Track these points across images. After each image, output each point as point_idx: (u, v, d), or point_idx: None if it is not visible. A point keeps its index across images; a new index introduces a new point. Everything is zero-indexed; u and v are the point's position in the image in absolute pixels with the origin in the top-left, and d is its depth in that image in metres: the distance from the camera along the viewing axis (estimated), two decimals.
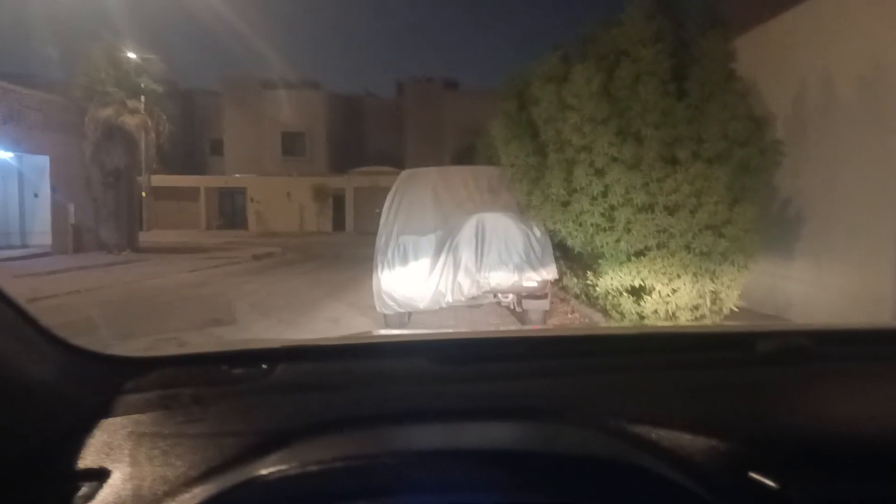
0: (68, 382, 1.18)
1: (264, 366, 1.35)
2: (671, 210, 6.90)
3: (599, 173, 7.12)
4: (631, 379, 1.41)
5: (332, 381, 1.36)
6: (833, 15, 7.62)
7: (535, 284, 7.96)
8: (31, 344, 1.11)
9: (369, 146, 46.83)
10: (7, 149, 18.55)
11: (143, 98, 21.39)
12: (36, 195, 20.84)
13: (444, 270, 7.92)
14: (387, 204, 8.61)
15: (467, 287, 7.87)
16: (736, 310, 7.18)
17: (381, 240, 8.24)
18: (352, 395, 1.31)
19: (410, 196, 8.57)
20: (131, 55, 21.67)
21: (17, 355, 1.08)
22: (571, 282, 10.08)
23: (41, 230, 20.58)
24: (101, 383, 1.23)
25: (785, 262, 8.34)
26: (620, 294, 7.46)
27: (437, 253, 7.99)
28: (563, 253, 9.12)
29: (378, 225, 8.57)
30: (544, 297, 8.22)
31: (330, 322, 9.33)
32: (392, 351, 1.62)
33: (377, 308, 8.23)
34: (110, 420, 1.15)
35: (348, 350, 1.59)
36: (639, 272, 7.06)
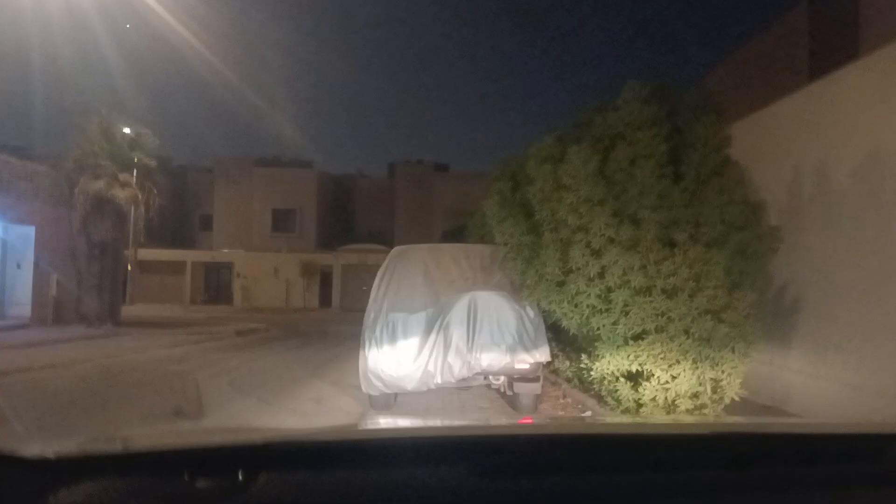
0: None
1: (240, 474, 1.01)
2: (669, 293, 6.72)
3: (596, 254, 6.98)
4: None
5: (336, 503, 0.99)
6: (827, 103, 7.71)
7: (527, 367, 7.69)
8: None
9: (359, 225, 47.14)
10: None
11: (135, 172, 21.39)
12: (19, 265, 20.48)
13: (433, 350, 7.64)
14: (377, 280, 8.40)
15: (458, 368, 7.58)
16: (737, 399, 6.90)
17: (369, 316, 7.98)
18: None
19: (401, 272, 8.39)
20: (126, 129, 21.81)
21: None
22: (564, 365, 9.80)
23: (21, 301, 20.12)
24: (10, 497, 0.90)
25: (783, 350, 8.13)
26: (617, 379, 7.18)
27: (428, 332, 7.73)
28: (555, 335, 8.88)
29: (365, 302, 8.33)
30: (536, 380, 7.93)
31: (312, 402, 8.94)
32: (412, 452, 1.24)
33: (363, 388, 7.89)
34: None
35: (354, 449, 1.24)
36: (637, 356, 6.81)
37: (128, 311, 25.09)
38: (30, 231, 19.72)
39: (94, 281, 20.43)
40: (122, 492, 0.97)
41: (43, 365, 12.00)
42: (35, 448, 1.02)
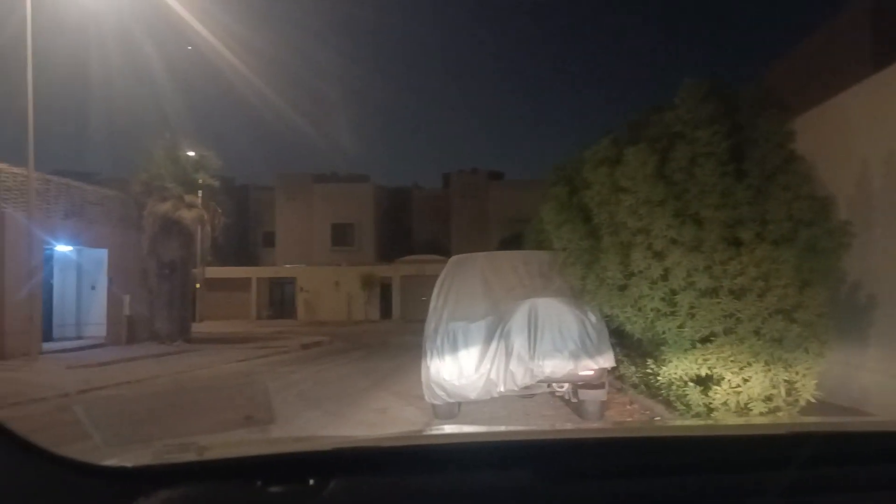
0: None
1: (311, 481, 1.04)
2: (737, 294, 6.53)
3: (658, 256, 6.85)
4: None
5: None
6: (893, 92, 7.39)
7: (591, 373, 7.58)
8: None
9: (416, 236, 47.49)
10: (67, 242, 19.21)
11: (199, 193, 22.12)
12: (93, 287, 21.37)
13: (495, 358, 7.62)
14: (436, 290, 8.44)
15: (520, 376, 7.53)
16: (813, 401, 6.64)
17: (429, 326, 8.01)
18: None
19: (460, 281, 8.40)
20: (190, 152, 22.59)
21: None
22: (629, 370, 9.61)
23: (96, 321, 20.98)
24: None
25: (859, 349, 7.78)
26: (686, 384, 7.01)
27: (488, 340, 7.71)
28: (619, 340, 8.72)
29: (424, 313, 8.37)
30: (601, 386, 7.82)
31: (377, 413, 9.03)
32: (480, 458, 1.26)
33: (426, 398, 7.93)
34: None
35: (421, 455, 1.26)
36: (705, 360, 6.63)
37: (197, 327, 25.88)
38: (102, 254, 20.59)
39: (165, 300, 21.18)
40: (197, 499, 1.01)
41: (119, 382, 12.50)
42: (113, 459, 1.06)
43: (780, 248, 6.57)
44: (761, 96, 7.63)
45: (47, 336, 18.66)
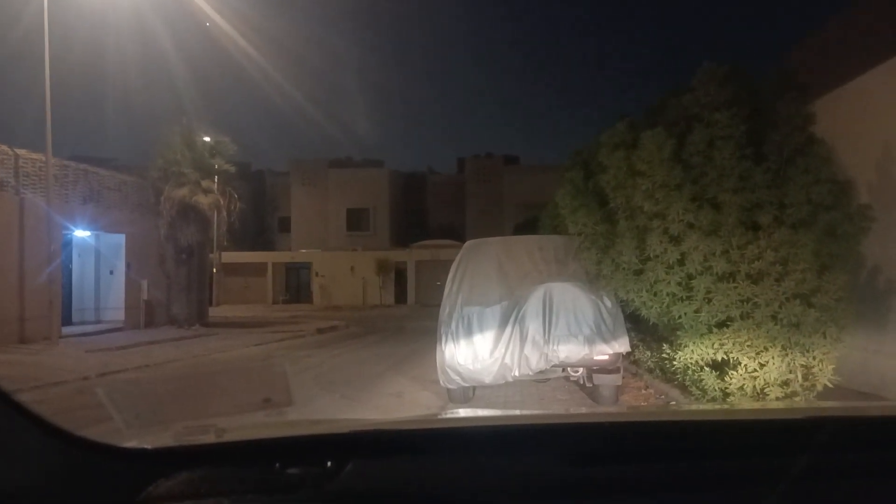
0: (68, 487, 0.90)
1: (329, 463, 1.04)
2: (755, 278, 6.48)
3: (675, 240, 6.80)
4: None
5: (424, 490, 1.01)
6: None
7: (606, 358, 7.57)
8: (16, 438, 0.85)
9: (431, 221, 47.49)
10: (86, 228, 19.39)
11: (216, 178, 22.22)
12: (111, 272, 21.57)
13: (510, 343, 7.62)
14: (450, 274, 8.44)
15: (535, 361, 7.53)
16: (830, 386, 6.59)
17: (444, 311, 8.03)
18: None
19: (475, 266, 8.39)
20: (206, 138, 22.67)
21: None
22: (644, 355, 9.60)
23: (115, 306, 21.19)
24: (114, 487, 0.94)
25: (878, 334, 7.70)
26: (702, 369, 6.98)
27: (503, 325, 7.71)
28: (634, 324, 8.70)
29: (439, 298, 8.38)
30: (616, 371, 7.80)
31: (393, 397, 9.08)
32: (496, 441, 1.25)
33: (441, 382, 7.95)
34: None
35: (438, 438, 1.26)
36: (722, 345, 6.59)
37: (214, 312, 26.09)
38: (120, 239, 20.76)
39: (182, 284, 21.37)
40: (216, 481, 1.01)
41: (138, 365, 12.65)
42: (134, 441, 1.07)
43: (799, 232, 6.50)
44: (780, 79, 7.53)
45: (67, 320, 18.88)
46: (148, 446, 1.05)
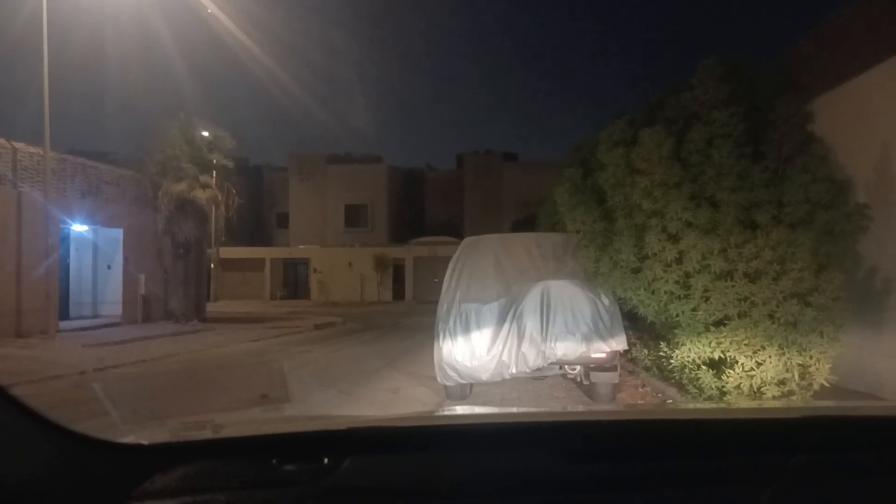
0: (64, 481, 0.89)
1: (325, 459, 1.04)
2: (752, 277, 6.49)
3: (673, 239, 6.81)
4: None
5: (420, 486, 1.02)
6: None
7: (603, 356, 7.57)
8: (12, 432, 0.85)
9: (429, 217, 47.48)
10: (84, 222, 19.34)
11: (214, 173, 22.18)
12: (109, 266, 21.54)
13: (507, 340, 7.63)
14: (448, 271, 8.44)
15: (532, 358, 7.53)
16: (827, 385, 6.60)
17: (442, 308, 8.03)
18: None
19: (473, 263, 8.39)
20: (204, 133, 22.61)
21: None
22: (641, 353, 9.61)
23: (112, 300, 21.15)
24: (109, 482, 0.94)
25: (875, 334, 7.72)
26: (698, 367, 6.99)
27: (501, 322, 7.71)
28: (632, 323, 8.71)
29: (437, 294, 8.38)
30: (613, 369, 7.81)
31: (389, 393, 9.08)
32: (493, 438, 1.26)
33: (438, 379, 7.95)
34: None
35: (434, 435, 1.26)
36: (719, 343, 6.61)
37: (212, 307, 26.07)
38: (118, 233, 20.72)
39: (180, 279, 21.35)
40: (213, 476, 1.01)
41: (135, 360, 12.64)
42: (130, 436, 1.07)
43: (797, 231, 6.52)
44: (780, 77, 7.53)
45: (64, 314, 18.85)
46: (144, 441, 1.06)
